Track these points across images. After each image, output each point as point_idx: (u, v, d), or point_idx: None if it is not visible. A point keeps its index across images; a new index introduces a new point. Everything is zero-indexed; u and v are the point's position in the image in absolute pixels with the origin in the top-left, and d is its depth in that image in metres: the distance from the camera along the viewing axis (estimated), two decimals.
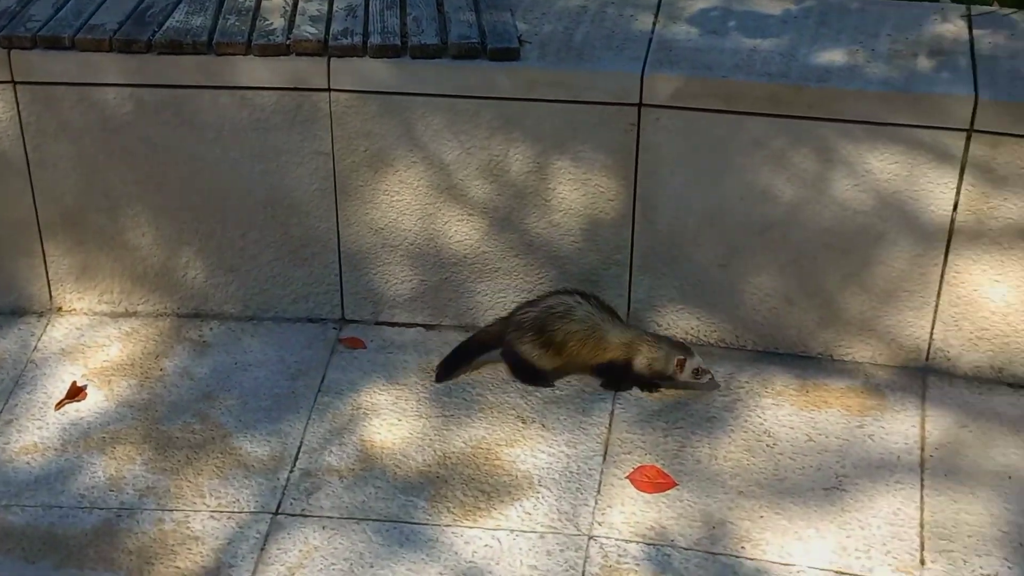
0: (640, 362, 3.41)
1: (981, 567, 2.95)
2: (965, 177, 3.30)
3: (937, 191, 3.34)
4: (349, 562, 2.97)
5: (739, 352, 3.62)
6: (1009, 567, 2.95)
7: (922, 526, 3.06)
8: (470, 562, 2.98)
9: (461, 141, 3.47)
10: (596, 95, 3.38)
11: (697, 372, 3.40)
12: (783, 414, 3.40)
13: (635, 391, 3.46)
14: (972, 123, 3.24)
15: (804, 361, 3.57)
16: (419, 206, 3.57)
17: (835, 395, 3.46)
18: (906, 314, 3.50)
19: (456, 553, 3.00)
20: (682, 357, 3.39)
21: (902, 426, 3.35)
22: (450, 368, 3.51)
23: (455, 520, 3.09)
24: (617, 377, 3.44)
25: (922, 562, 2.97)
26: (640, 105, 3.37)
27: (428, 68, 3.41)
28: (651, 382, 3.44)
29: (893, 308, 3.51)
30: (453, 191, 3.55)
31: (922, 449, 3.28)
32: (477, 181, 3.52)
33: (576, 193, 3.51)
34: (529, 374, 3.47)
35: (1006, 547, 3.00)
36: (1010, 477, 3.19)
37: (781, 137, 3.35)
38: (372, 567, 2.96)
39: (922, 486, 3.17)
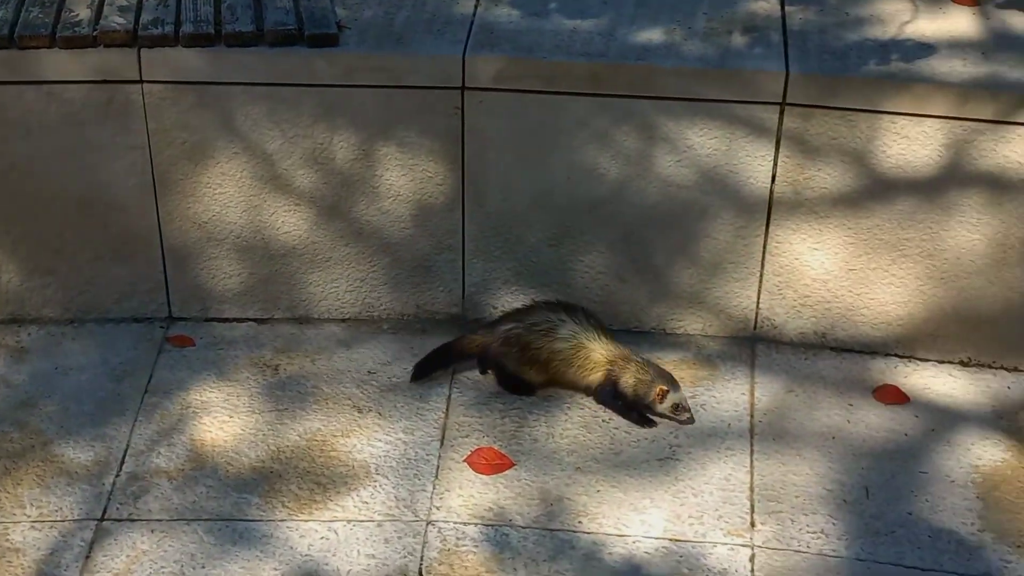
0: (625, 383, 3.29)
1: (808, 525, 3.05)
2: (781, 149, 3.40)
3: (755, 164, 3.43)
4: (180, 564, 2.89)
5: None
6: (834, 523, 3.05)
7: (752, 490, 3.14)
8: (306, 555, 2.93)
9: (283, 130, 3.40)
10: (418, 79, 3.36)
11: (676, 408, 3.27)
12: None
13: (472, 372, 3.46)
14: (784, 97, 3.33)
15: (638, 336, 3.63)
16: (243, 198, 3.50)
17: (669, 368, 3.50)
18: (733, 285, 3.59)
19: (291, 547, 2.95)
20: (665, 388, 3.26)
21: (732, 394, 3.44)
22: (425, 370, 3.42)
23: (290, 514, 3.03)
24: (609, 399, 3.32)
25: (752, 524, 3.05)
26: (463, 88, 3.36)
27: (244, 56, 3.33)
28: (633, 405, 3.29)
29: (720, 280, 3.59)
30: (278, 181, 3.48)
31: (751, 416, 3.37)
32: (302, 170, 3.46)
33: (404, 179, 3.49)
34: (516, 385, 3.39)
35: (831, 504, 3.10)
36: (834, 437, 3.31)
37: (603, 116, 3.39)
38: (204, 568, 2.89)
39: (752, 451, 3.26)
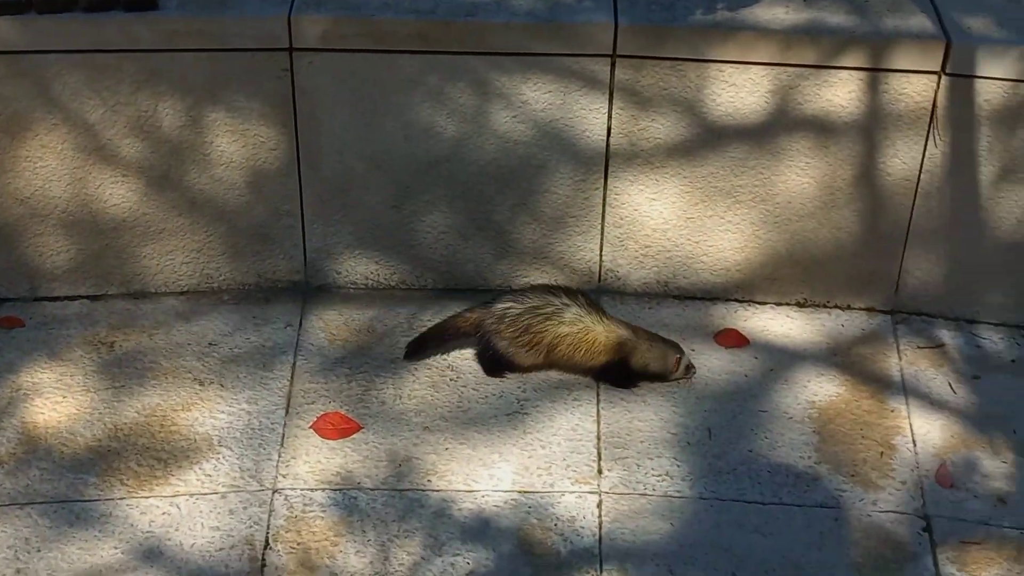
0: (637, 361, 3.28)
1: (653, 469, 3.11)
2: (614, 102, 3.43)
3: (590, 117, 3.45)
4: (13, 550, 2.78)
5: (420, 292, 3.63)
6: (679, 465, 3.11)
7: (599, 438, 3.18)
8: (147, 532, 2.86)
9: (104, 98, 3.28)
10: (244, 41, 3.28)
11: (688, 369, 3.31)
12: (465, 347, 3.44)
13: (316, 338, 3.42)
14: (615, 48, 3.36)
15: (484, 294, 3.60)
16: (67, 171, 3.36)
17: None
18: (575, 239, 3.62)
19: (132, 525, 2.87)
20: (679, 355, 3.29)
21: None
22: (418, 349, 3.35)
23: (130, 492, 2.95)
24: (617, 376, 3.30)
25: (600, 471, 3.09)
26: (291, 49, 3.29)
27: (58, 23, 3.19)
28: (645, 377, 3.29)
29: (563, 234, 3.62)
30: (102, 152, 3.35)
31: None
32: (127, 140, 3.35)
33: (235, 145, 3.40)
34: (499, 367, 3.32)
35: (675, 447, 3.17)
36: (680, 382, 3.38)
37: (435, 74, 3.36)
38: (39, 551, 2.79)
39: (598, 401, 3.30)
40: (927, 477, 3.09)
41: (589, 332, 3.27)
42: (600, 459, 3.12)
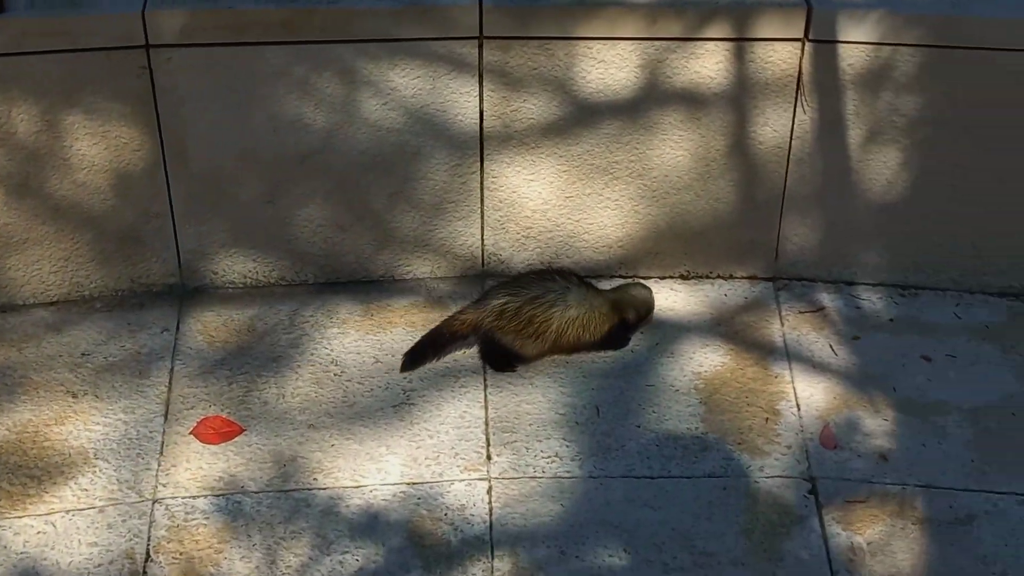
0: (631, 315, 3.37)
1: (542, 451, 3.10)
2: (485, 84, 3.39)
3: (462, 100, 3.41)
4: None
5: (301, 287, 3.56)
6: (568, 445, 3.11)
7: (487, 424, 3.16)
8: (22, 553, 2.76)
9: None
10: (98, 40, 3.17)
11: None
12: (349, 341, 3.39)
13: (195, 341, 3.34)
14: (481, 30, 3.32)
15: (367, 286, 3.58)
16: None
17: (399, 314, 3.49)
18: (456, 224, 3.59)
19: (5, 547, 2.77)
20: (649, 290, 3.42)
21: None
22: (416, 359, 3.27)
23: (1, 513, 2.84)
24: (619, 338, 3.35)
25: (489, 457, 3.07)
26: (147, 46, 3.19)
27: None
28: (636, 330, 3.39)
29: (443, 220, 3.58)
30: None
31: None
32: None
33: (97, 148, 3.29)
34: (503, 361, 3.28)
35: (564, 428, 3.16)
36: (567, 362, 3.35)
37: (301, 64, 3.29)
38: None
39: (485, 386, 3.27)
40: (811, 440, 3.13)
41: (593, 308, 3.31)
42: (489, 445, 3.10)
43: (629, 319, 3.38)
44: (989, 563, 2.83)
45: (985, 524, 2.92)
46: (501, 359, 3.30)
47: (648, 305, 3.42)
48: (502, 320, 3.25)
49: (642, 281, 3.50)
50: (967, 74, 3.33)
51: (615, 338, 3.37)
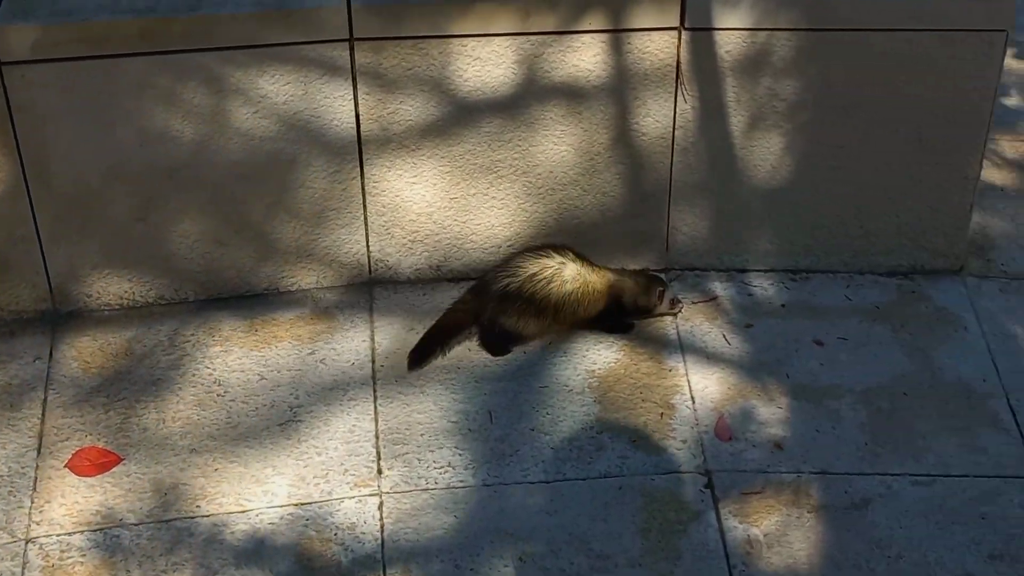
0: (628, 299, 3.34)
1: (435, 461, 3.02)
2: (359, 87, 3.30)
3: (336, 105, 3.31)
4: None
5: (182, 305, 3.44)
6: (460, 454, 3.04)
7: (377, 437, 3.08)
8: None
9: None
10: None
11: (673, 302, 3.38)
12: (232, 359, 3.27)
13: (69, 369, 3.20)
14: (351, 32, 3.22)
15: (250, 300, 3.47)
16: None
17: (284, 328, 3.39)
18: (339, 232, 3.49)
19: None
20: (662, 288, 3.36)
21: (353, 343, 3.34)
22: (422, 356, 3.25)
23: None
24: (613, 320, 3.35)
25: (379, 471, 2.99)
26: None
27: None
28: (636, 315, 3.37)
29: (325, 229, 3.48)
30: None
31: (373, 361, 3.29)
32: None
33: None
34: (506, 345, 3.29)
35: (456, 436, 3.09)
36: (458, 368, 3.28)
37: (164, 74, 3.16)
38: None
39: (375, 398, 3.19)
40: (707, 432, 3.10)
41: (588, 284, 3.31)
42: (380, 458, 3.01)
43: (624, 303, 3.35)
44: (884, 547, 2.82)
45: (879, 507, 2.91)
46: (501, 343, 3.32)
47: (643, 294, 3.35)
48: (505, 302, 3.26)
49: (659, 275, 3.46)
50: (842, 55, 3.32)
51: (610, 320, 3.36)
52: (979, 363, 3.29)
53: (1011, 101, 4.32)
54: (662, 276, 3.47)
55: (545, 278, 3.27)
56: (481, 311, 3.30)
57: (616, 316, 3.37)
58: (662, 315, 3.41)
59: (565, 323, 3.34)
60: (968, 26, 3.28)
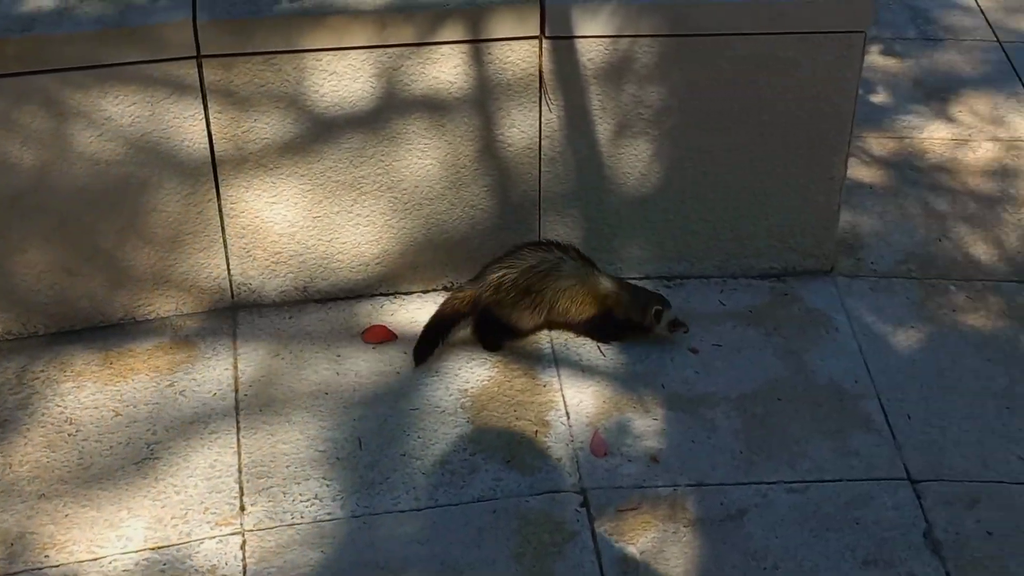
0: (619, 313, 3.28)
1: (301, 494, 2.90)
2: (210, 105, 3.15)
3: (187, 125, 3.16)
4: None
5: (31, 340, 3.25)
6: (328, 485, 2.92)
7: (240, 471, 2.95)
8: None
9: None
10: None
11: (673, 324, 3.28)
12: (86, 395, 3.11)
13: None
14: (198, 49, 3.08)
15: (105, 331, 3.30)
16: None
17: (142, 359, 3.23)
18: (197, 257, 3.34)
19: None
20: (658, 308, 3.27)
21: (215, 372, 3.20)
22: (425, 350, 3.22)
23: None
24: (603, 330, 3.30)
25: (242, 508, 2.86)
26: None
27: None
28: (629, 330, 3.30)
29: (182, 254, 3.33)
30: None
31: (236, 391, 3.16)
32: None
33: None
34: (499, 338, 3.26)
35: (323, 466, 2.97)
36: (326, 393, 3.17)
37: None
38: None
39: (238, 429, 3.05)
40: (582, 449, 3.04)
41: (584, 284, 3.28)
42: (243, 494, 2.89)
43: (616, 315, 3.29)
44: (760, 558, 2.79)
45: (755, 517, 2.88)
46: (495, 335, 3.28)
47: (635, 310, 3.26)
48: (499, 293, 3.23)
49: (661, 294, 3.35)
50: (706, 60, 3.29)
51: (599, 328, 3.31)
52: (851, 364, 3.30)
53: (878, 99, 4.35)
54: (666, 297, 3.35)
55: (542, 271, 3.25)
56: (477, 299, 3.25)
57: (607, 326, 3.31)
58: (663, 336, 3.30)
59: (558, 322, 3.32)
60: (827, 28, 3.27)
